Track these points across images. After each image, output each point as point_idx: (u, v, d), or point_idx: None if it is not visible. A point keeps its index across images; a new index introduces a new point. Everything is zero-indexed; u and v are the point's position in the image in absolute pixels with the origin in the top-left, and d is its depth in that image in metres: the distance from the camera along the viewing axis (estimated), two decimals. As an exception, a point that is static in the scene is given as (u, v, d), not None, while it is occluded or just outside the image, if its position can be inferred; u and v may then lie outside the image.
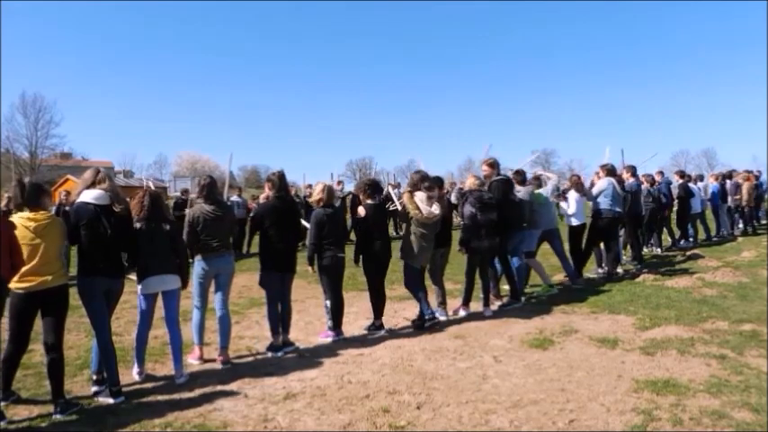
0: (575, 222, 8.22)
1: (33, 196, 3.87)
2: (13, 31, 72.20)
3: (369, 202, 5.80)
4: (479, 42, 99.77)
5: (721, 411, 3.54)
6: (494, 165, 6.94)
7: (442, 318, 6.25)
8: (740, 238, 12.44)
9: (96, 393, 4.12)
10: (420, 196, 5.80)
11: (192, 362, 4.88)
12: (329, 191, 5.60)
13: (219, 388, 4.27)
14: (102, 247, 4.04)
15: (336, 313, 5.62)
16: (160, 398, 4.11)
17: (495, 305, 6.73)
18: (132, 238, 4.32)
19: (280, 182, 5.33)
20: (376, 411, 3.74)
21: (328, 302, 5.58)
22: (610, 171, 8.33)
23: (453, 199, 6.98)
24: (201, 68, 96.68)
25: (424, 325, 5.83)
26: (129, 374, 4.52)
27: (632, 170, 9.64)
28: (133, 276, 4.52)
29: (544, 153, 66.76)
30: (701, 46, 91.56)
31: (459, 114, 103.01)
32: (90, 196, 4.05)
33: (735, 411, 3.54)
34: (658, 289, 7.37)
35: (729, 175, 13.33)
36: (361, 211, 5.76)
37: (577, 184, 8.35)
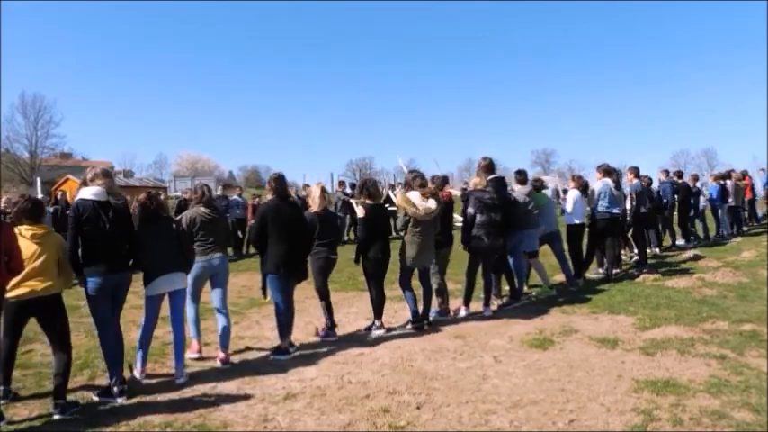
0: (573, 221, 8.20)
1: (36, 213, 3.99)
2: (13, 31, 72.11)
3: (368, 202, 5.81)
4: (479, 42, 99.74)
5: (721, 411, 3.54)
6: (488, 165, 6.84)
7: (441, 317, 6.26)
8: (740, 238, 12.44)
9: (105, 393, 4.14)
10: (414, 194, 5.81)
11: (192, 356, 4.90)
12: (321, 196, 5.63)
13: (219, 388, 4.28)
14: (104, 242, 4.07)
15: (331, 313, 5.69)
16: (160, 398, 4.11)
17: (495, 305, 6.73)
18: (132, 232, 4.34)
19: (276, 184, 5.30)
20: (376, 411, 3.74)
21: (323, 303, 5.65)
22: (606, 172, 8.35)
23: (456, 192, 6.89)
24: (201, 68, 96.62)
25: (406, 326, 5.86)
26: (129, 374, 4.51)
27: (635, 171, 9.67)
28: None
29: (544, 153, 66.82)
30: (701, 46, 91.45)
31: (459, 114, 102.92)
32: (88, 193, 4.12)
33: (735, 411, 3.54)
34: (658, 289, 7.37)
35: (728, 175, 13.34)
36: (360, 211, 5.76)
37: (582, 186, 8.34)
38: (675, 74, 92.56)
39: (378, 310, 5.83)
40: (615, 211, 8.15)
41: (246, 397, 4.08)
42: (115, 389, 4.07)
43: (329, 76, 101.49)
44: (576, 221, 8.18)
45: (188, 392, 4.19)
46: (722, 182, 12.81)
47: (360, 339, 5.55)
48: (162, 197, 4.99)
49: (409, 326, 5.86)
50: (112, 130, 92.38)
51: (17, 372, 4.62)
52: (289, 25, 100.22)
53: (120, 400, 4.03)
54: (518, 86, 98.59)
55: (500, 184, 6.74)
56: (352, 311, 6.74)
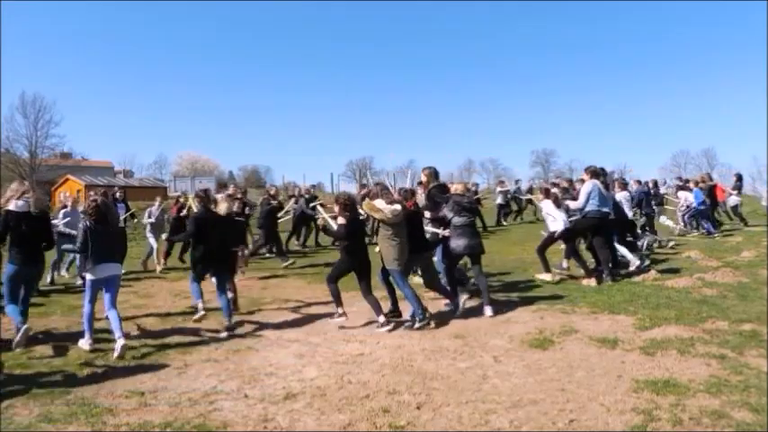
0: (554, 227, 8.27)
1: None
2: (13, 30, 72.12)
3: (346, 214, 6.11)
4: (479, 42, 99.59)
5: (721, 411, 3.54)
6: (432, 173, 7.44)
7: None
8: (740, 238, 12.47)
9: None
10: (379, 201, 6.18)
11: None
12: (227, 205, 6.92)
13: (219, 388, 4.28)
14: (25, 243, 5.48)
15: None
16: (160, 398, 4.11)
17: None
18: (47, 235, 5.76)
19: (202, 198, 6.74)
20: (376, 411, 3.74)
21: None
22: (594, 173, 8.47)
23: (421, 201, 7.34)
24: (202, 68, 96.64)
25: (414, 325, 5.92)
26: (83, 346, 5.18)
27: (623, 184, 10.46)
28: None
29: (544, 153, 66.80)
30: (702, 46, 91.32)
31: (459, 114, 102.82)
32: (13, 206, 5.47)
33: (735, 411, 3.54)
34: (658, 289, 7.37)
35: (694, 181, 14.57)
36: (341, 220, 6.10)
37: (554, 198, 8.53)
38: (675, 74, 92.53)
39: (377, 309, 6.00)
40: (605, 209, 8.22)
41: (246, 397, 4.08)
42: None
43: (329, 76, 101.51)
44: (560, 228, 8.23)
45: (188, 392, 4.19)
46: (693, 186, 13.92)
47: (360, 339, 5.55)
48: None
49: (417, 324, 5.89)
50: (112, 130, 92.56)
51: (18, 371, 4.64)
52: (289, 25, 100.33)
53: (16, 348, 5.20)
54: (518, 86, 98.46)
55: (443, 190, 7.24)
56: (352, 311, 6.74)
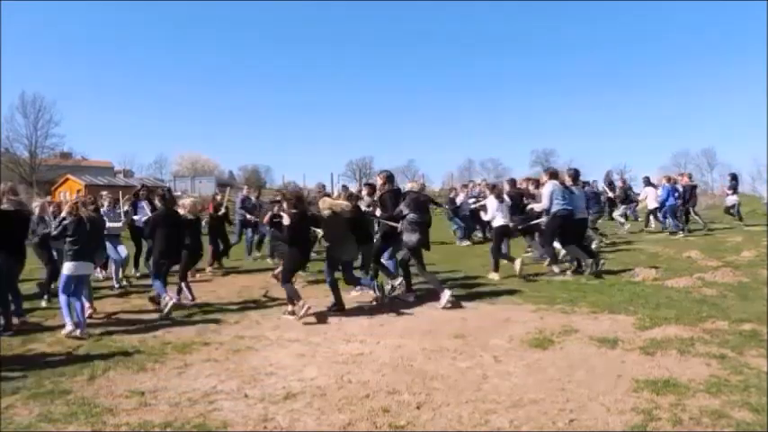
0: (498, 223, 8.58)
1: None
2: (13, 30, 72.19)
3: (293, 211, 6.48)
4: (480, 42, 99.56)
5: (721, 411, 3.54)
6: (388, 178, 7.86)
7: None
8: (740, 238, 12.47)
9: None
10: (331, 200, 6.91)
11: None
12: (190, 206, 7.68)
13: (219, 388, 4.28)
14: (10, 239, 6.04)
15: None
16: (160, 398, 4.11)
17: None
18: (24, 232, 6.37)
19: (165, 199, 7.50)
20: (376, 411, 3.74)
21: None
22: (552, 174, 8.75)
23: (363, 206, 7.85)
24: (201, 68, 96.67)
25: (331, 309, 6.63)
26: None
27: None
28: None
29: (544, 153, 66.76)
30: (702, 46, 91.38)
31: (459, 114, 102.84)
32: (5, 206, 6.06)
33: (735, 411, 3.54)
34: (658, 289, 7.37)
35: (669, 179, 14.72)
36: (286, 219, 6.51)
37: (497, 193, 8.77)
38: (675, 74, 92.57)
39: (290, 298, 6.45)
40: (570, 207, 8.41)
41: (246, 397, 4.08)
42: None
43: (329, 76, 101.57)
44: (500, 223, 8.56)
45: (188, 392, 4.19)
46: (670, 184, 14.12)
47: (360, 339, 5.54)
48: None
49: (334, 308, 6.63)
50: (112, 130, 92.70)
51: (17, 369, 4.63)
52: (289, 25, 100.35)
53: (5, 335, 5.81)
54: (518, 86, 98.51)
55: (397, 195, 7.62)
56: (352, 309, 6.75)
